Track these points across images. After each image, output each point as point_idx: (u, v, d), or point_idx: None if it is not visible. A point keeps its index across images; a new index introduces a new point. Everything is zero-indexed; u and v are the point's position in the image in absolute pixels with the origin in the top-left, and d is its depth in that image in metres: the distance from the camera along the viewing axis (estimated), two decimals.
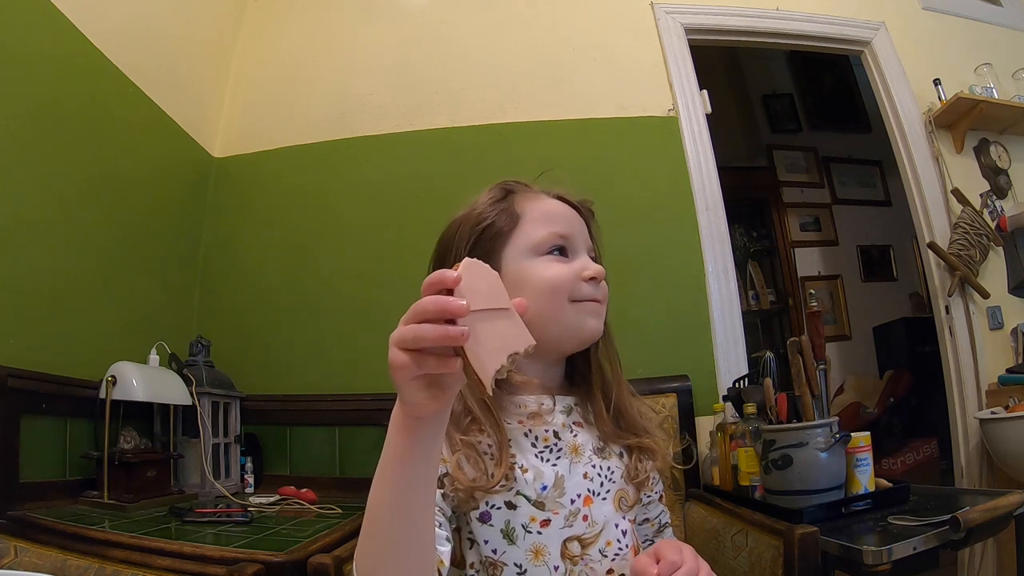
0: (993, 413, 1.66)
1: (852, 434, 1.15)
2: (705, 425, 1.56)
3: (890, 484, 1.22)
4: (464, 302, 0.39)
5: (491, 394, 0.41)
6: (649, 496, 0.74)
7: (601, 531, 0.63)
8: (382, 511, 0.48)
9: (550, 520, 0.61)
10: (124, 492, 1.22)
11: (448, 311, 0.38)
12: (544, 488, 0.62)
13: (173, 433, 1.45)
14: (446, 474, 0.60)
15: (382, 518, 0.48)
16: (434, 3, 2.08)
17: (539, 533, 0.61)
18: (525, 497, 0.61)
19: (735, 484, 1.34)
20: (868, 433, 1.20)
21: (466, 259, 0.42)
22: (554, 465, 0.64)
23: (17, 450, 1.11)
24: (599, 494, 0.65)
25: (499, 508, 0.61)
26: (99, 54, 1.48)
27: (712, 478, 1.45)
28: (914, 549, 0.95)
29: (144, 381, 1.31)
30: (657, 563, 0.58)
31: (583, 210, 0.74)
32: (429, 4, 2.09)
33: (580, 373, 0.72)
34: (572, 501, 0.63)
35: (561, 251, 0.68)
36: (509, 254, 0.67)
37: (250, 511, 1.22)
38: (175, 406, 1.45)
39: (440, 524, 0.58)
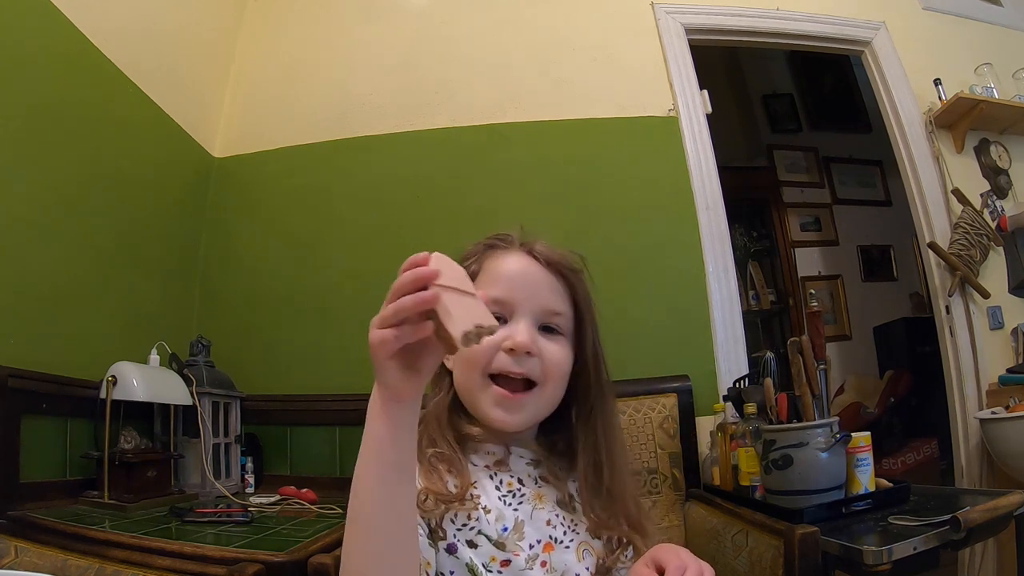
0: (993, 413, 1.66)
1: (852, 434, 1.15)
2: (705, 425, 1.56)
3: (890, 484, 1.22)
4: (436, 268, 0.45)
5: (459, 348, 0.44)
6: (624, 564, 0.68)
7: None
8: (366, 498, 0.48)
9: (510, 561, 0.61)
10: (124, 492, 1.22)
11: (422, 277, 0.44)
12: (505, 530, 0.62)
13: (173, 433, 1.45)
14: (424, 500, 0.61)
15: (366, 507, 0.48)
16: (434, 3, 2.08)
17: (499, 573, 0.60)
18: (486, 536, 0.61)
19: (735, 484, 1.34)
20: (868, 433, 1.19)
21: (436, 252, 0.47)
22: (515, 510, 0.63)
23: (17, 450, 1.11)
24: (562, 542, 0.64)
25: (462, 544, 0.61)
26: (99, 54, 1.47)
27: (712, 478, 1.45)
28: (914, 549, 0.95)
29: (144, 381, 1.31)
30: (657, 571, 0.58)
31: (553, 266, 0.67)
32: (429, 4, 2.09)
33: (563, 440, 0.69)
34: (531, 546, 0.62)
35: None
36: None
37: (250, 511, 1.22)
38: (175, 406, 1.45)
39: (421, 534, 0.58)
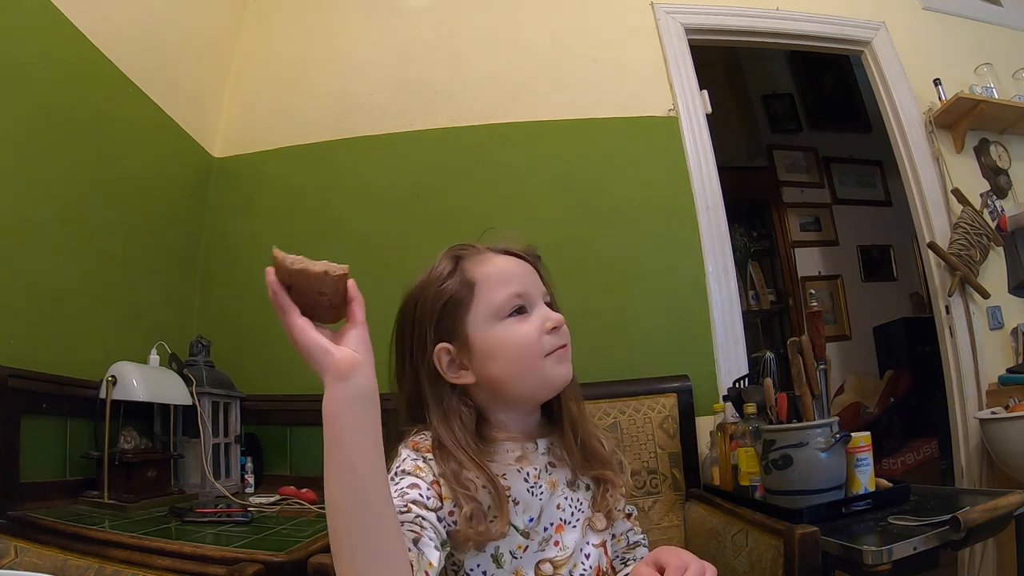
0: (993, 413, 1.66)
1: (852, 434, 1.15)
2: (705, 425, 1.56)
3: (890, 484, 1.22)
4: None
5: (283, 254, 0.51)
6: (617, 509, 0.78)
7: (571, 555, 0.69)
8: (330, 479, 0.51)
9: (528, 546, 0.67)
10: (124, 492, 1.22)
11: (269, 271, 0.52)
12: (531, 520, 0.68)
13: (173, 433, 1.45)
14: (441, 508, 0.63)
15: (331, 488, 0.51)
16: (434, 3, 2.08)
17: (519, 557, 0.67)
18: (515, 528, 0.67)
19: (735, 484, 1.34)
20: (868, 433, 1.20)
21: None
22: (539, 499, 0.69)
23: (17, 450, 1.11)
24: (570, 522, 0.71)
25: None
26: (100, 55, 1.48)
27: (712, 478, 1.45)
28: (914, 549, 0.95)
29: (144, 381, 1.31)
30: (659, 571, 0.63)
31: (530, 258, 0.76)
32: (429, 4, 2.09)
33: (551, 415, 0.76)
34: (546, 529, 0.69)
35: (520, 310, 0.70)
36: (473, 322, 0.69)
37: (250, 511, 1.22)
38: (175, 406, 1.45)
39: (431, 539, 0.60)
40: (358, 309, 0.55)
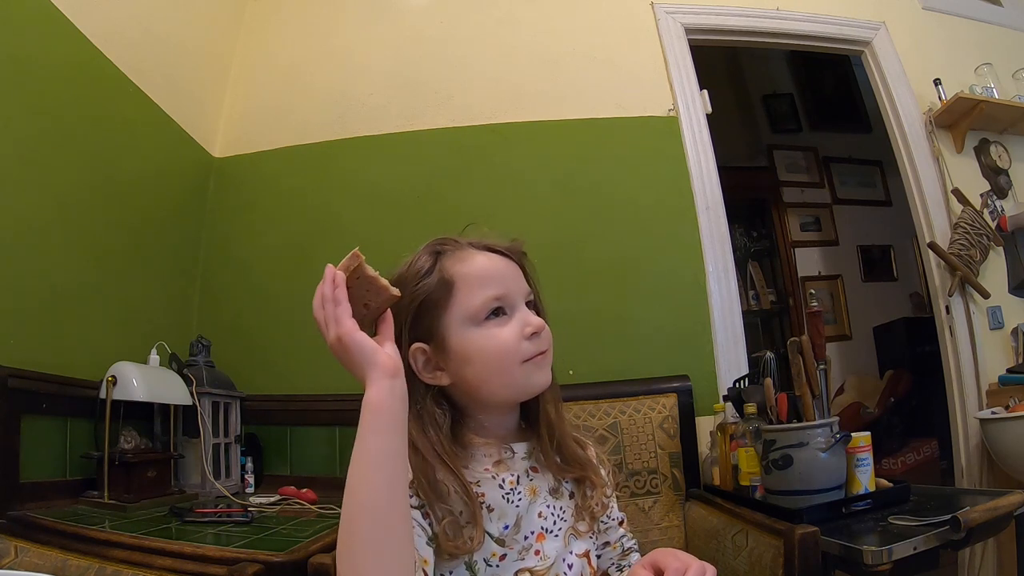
0: (993, 413, 1.66)
1: (852, 434, 1.15)
2: (705, 425, 1.56)
3: (890, 484, 1.22)
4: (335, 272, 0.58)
5: (392, 292, 0.59)
6: (606, 523, 0.78)
7: (552, 565, 0.67)
8: (364, 466, 0.53)
9: (506, 555, 0.66)
10: (124, 492, 1.22)
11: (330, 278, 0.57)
12: (506, 527, 0.66)
13: (173, 433, 1.45)
14: (423, 506, 0.62)
15: (363, 474, 0.53)
16: (434, 3, 2.08)
17: (496, 566, 0.65)
18: (489, 535, 0.65)
19: (735, 484, 1.34)
20: (868, 433, 1.20)
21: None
22: (516, 506, 0.67)
23: (17, 450, 1.11)
24: (552, 531, 0.69)
25: None
26: (101, 56, 1.48)
27: (712, 478, 1.45)
28: (914, 549, 0.95)
29: (144, 381, 1.31)
30: (656, 574, 0.63)
31: (514, 255, 0.72)
32: (429, 4, 2.09)
33: (530, 418, 0.74)
34: (526, 537, 0.67)
35: (498, 311, 0.67)
36: (449, 324, 0.67)
37: (250, 511, 1.23)
38: (175, 406, 1.45)
39: (420, 535, 0.60)
40: (390, 328, 0.60)
